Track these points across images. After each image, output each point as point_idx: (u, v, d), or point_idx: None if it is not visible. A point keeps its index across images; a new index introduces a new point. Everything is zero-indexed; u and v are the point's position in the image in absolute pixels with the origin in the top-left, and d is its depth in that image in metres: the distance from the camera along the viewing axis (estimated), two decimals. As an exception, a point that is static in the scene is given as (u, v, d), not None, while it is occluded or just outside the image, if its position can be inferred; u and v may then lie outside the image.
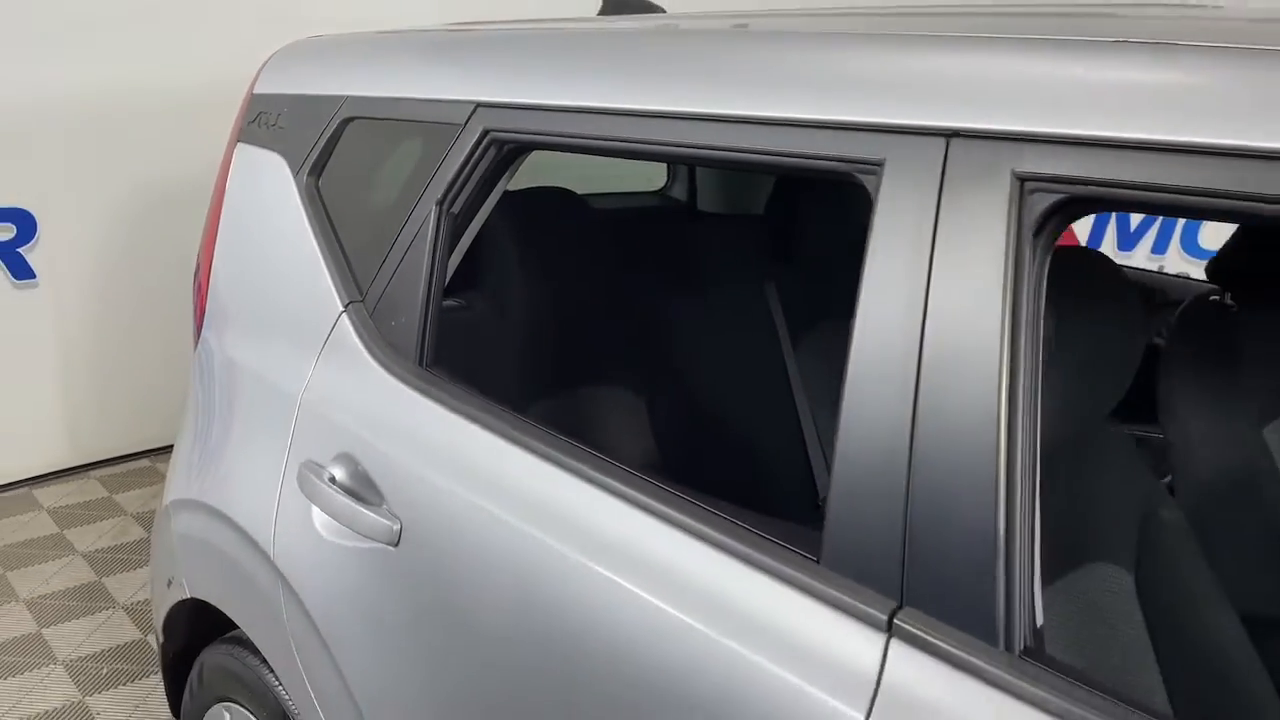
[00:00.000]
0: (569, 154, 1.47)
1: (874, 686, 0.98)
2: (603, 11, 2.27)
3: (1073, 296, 1.21)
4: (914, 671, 0.97)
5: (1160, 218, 4.81)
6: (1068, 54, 1.00)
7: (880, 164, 1.06)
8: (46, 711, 2.78)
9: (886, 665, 0.98)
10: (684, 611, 1.14)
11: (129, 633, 3.14)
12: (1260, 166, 0.84)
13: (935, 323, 1.00)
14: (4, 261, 3.96)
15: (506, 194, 1.90)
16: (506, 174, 1.57)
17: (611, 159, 1.49)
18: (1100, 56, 0.98)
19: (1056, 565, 1.36)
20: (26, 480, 4.10)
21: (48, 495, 4.02)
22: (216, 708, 1.95)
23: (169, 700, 2.14)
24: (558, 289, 1.96)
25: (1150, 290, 2.36)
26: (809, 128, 1.13)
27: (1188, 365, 1.75)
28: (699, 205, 2.92)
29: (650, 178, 3.26)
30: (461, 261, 1.67)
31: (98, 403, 4.18)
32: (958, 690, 0.94)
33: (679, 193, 3.01)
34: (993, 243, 0.98)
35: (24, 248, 3.98)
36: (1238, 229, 1.86)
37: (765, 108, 1.17)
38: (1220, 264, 1.86)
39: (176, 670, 2.08)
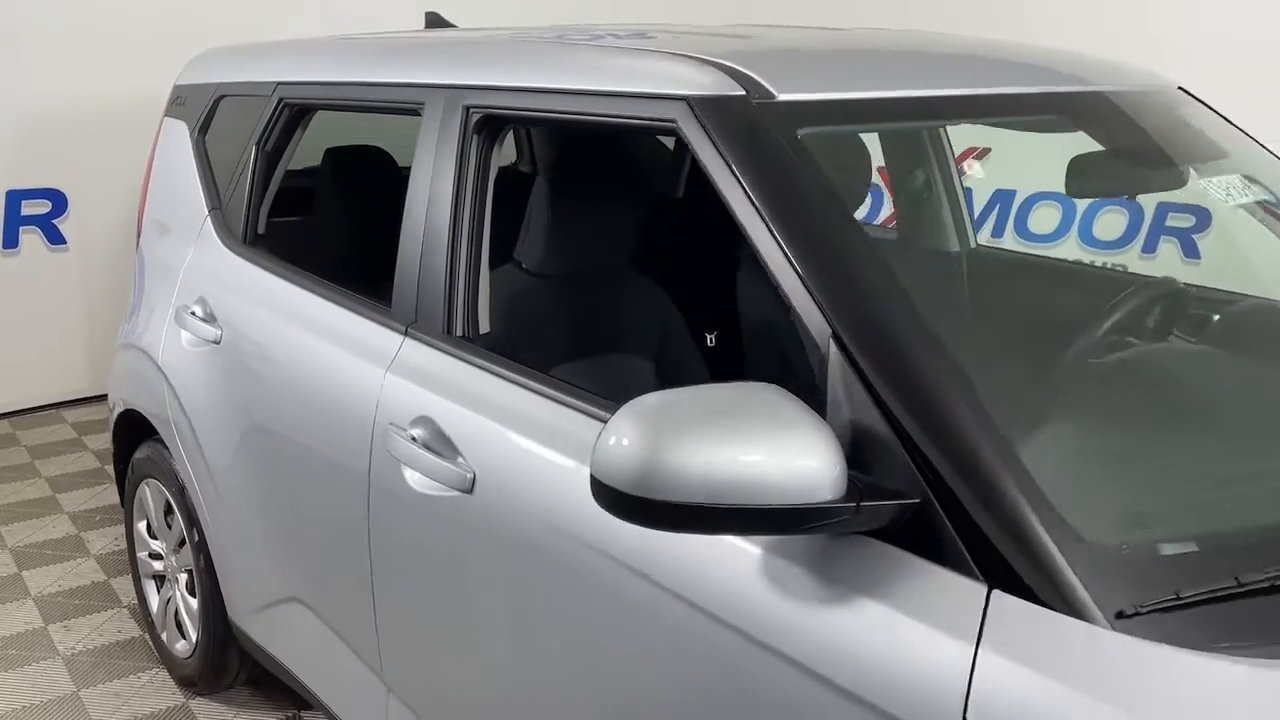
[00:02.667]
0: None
1: (393, 357, 1.97)
2: (426, 26, 3.27)
3: (571, 190, 2.19)
4: (412, 351, 1.95)
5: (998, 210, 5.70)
6: (498, 45, 1.99)
7: (423, 104, 2.05)
8: (52, 540, 3.83)
9: (401, 350, 1.97)
10: (338, 348, 2.13)
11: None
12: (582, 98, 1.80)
13: (434, 183, 1.99)
14: (42, 230, 5.08)
15: (333, 149, 2.92)
16: (300, 126, 2.57)
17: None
18: (500, 45, 1.97)
19: (598, 350, 2.33)
20: (57, 403, 5.20)
21: (72, 413, 5.11)
22: (142, 485, 2.98)
23: (118, 491, 3.17)
24: (361, 211, 2.95)
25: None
26: (398, 86, 2.13)
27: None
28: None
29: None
30: (304, 196, 2.68)
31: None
32: (425, 354, 1.92)
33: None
34: (455, 141, 1.96)
35: (57, 220, 5.09)
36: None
37: (382, 76, 2.17)
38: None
39: (121, 469, 3.11)
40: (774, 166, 1.45)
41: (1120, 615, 1.08)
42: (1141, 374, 1.74)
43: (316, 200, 2.98)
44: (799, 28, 2.21)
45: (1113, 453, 1.42)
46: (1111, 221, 5.80)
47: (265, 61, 2.66)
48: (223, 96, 2.80)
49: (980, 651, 1.10)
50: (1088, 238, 5.76)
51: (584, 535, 1.52)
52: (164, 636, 3.00)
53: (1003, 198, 6.09)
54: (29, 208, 5.01)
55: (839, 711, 1.20)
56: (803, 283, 1.36)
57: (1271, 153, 2.05)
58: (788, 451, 1.19)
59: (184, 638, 2.89)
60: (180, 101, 2.99)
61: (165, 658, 3.02)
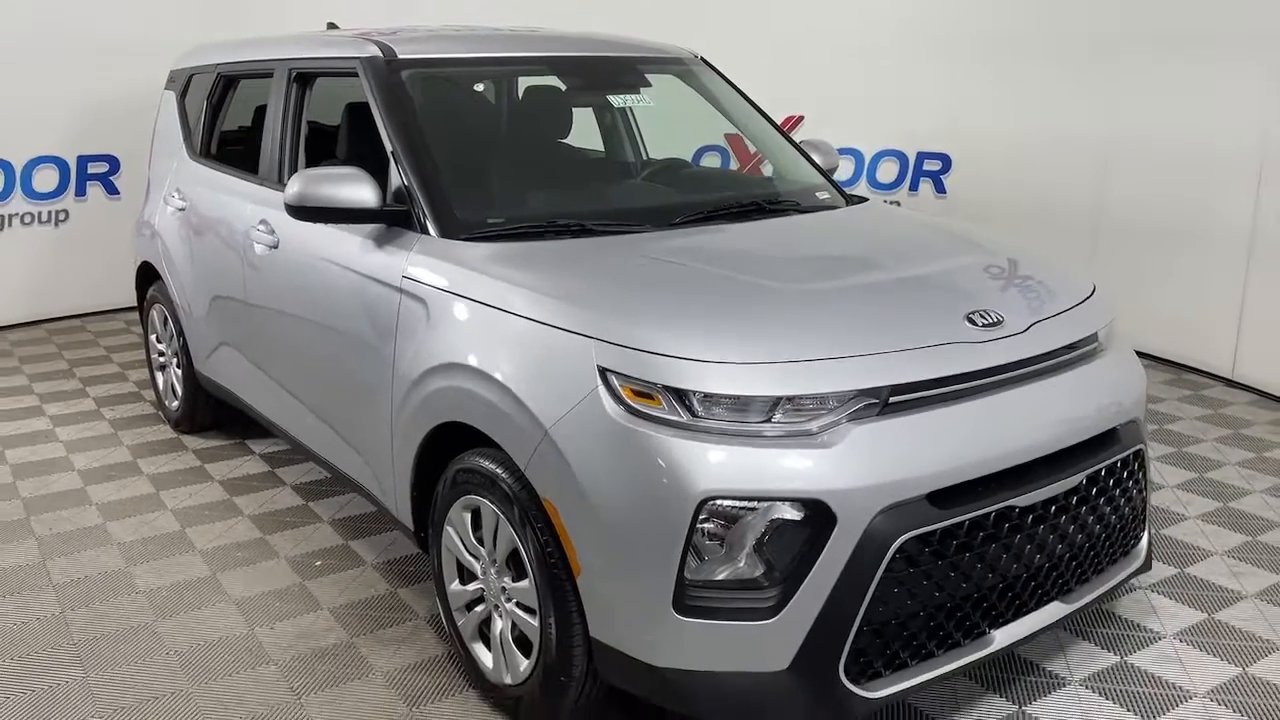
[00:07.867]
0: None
1: (256, 196, 3.91)
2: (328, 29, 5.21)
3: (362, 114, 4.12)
4: (263, 192, 3.89)
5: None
6: (305, 39, 3.95)
7: (272, 72, 3.99)
8: (107, 374, 5.86)
9: (259, 192, 3.91)
10: (235, 197, 4.07)
11: (150, 355, 6.20)
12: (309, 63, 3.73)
13: (273, 111, 3.92)
14: (103, 184, 7.13)
15: (260, 106, 4.88)
16: (232, 89, 4.53)
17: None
18: (305, 38, 3.92)
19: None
20: (114, 309, 7.25)
21: (124, 315, 7.17)
22: (151, 311, 4.98)
23: (139, 316, 5.19)
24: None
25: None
26: (264, 61, 4.08)
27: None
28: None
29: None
30: (243, 136, 4.66)
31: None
32: (268, 193, 3.85)
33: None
34: (285, 88, 3.89)
35: (113, 176, 7.15)
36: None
37: (259, 57, 4.13)
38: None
39: (141, 303, 5.12)
40: (388, 90, 3.35)
41: (459, 237, 2.97)
42: (590, 185, 3.64)
43: (249, 134, 4.96)
44: (461, 26, 4.11)
45: (497, 195, 3.32)
46: (888, 169, 7.58)
47: (212, 52, 4.64)
48: (193, 75, 4.79)
49: (411, 252, 3.00)
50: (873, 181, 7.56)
51: (318, 253, 3.43)
52: (165, 402, 5.00)
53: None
54: (93, 167, 7.06)
55: (379, 291, 3.09)
56: (388, 136, 3.25)
57: (743, 95, 3.95)
58: (358, 190, 3.08)
59: (176, 399, 4.88)
60: (173, 80, 4.99)
61: (166, 415, 5.02)
